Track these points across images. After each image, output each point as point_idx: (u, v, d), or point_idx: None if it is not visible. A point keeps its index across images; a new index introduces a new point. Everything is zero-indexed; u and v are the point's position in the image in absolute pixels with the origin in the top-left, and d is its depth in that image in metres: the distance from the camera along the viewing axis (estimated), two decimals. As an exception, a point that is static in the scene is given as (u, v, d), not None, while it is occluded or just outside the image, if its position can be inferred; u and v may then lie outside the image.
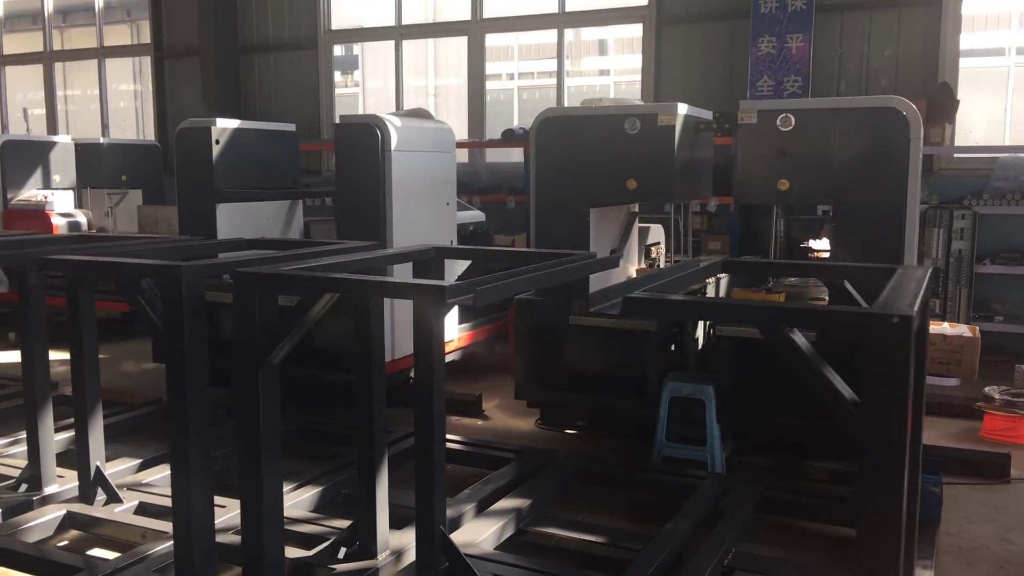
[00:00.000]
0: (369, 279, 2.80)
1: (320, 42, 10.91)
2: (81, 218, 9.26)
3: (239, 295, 2.53)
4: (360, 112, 11.36)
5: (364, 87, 11.96)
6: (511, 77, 17.39)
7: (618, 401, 5.22)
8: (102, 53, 12.75)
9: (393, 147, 5.84)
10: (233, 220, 6.52)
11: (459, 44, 11.15)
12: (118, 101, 13.74)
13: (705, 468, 4.75)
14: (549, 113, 5.43)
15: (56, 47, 13.37)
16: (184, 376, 2.59)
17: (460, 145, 9.88)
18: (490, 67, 11.48)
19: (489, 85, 11.17)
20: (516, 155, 9.46)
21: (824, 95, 8.38)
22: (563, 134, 5.34)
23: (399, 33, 10.54)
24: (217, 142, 6.34)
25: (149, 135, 13.11)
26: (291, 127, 7.21)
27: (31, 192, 9.33)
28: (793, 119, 4.76)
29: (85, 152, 10.04)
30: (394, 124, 5.89)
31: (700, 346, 5.38)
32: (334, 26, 10.93)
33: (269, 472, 2.86)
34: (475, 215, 7.16)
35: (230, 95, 11.33)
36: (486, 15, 10.03)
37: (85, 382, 4.04)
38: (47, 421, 4.21)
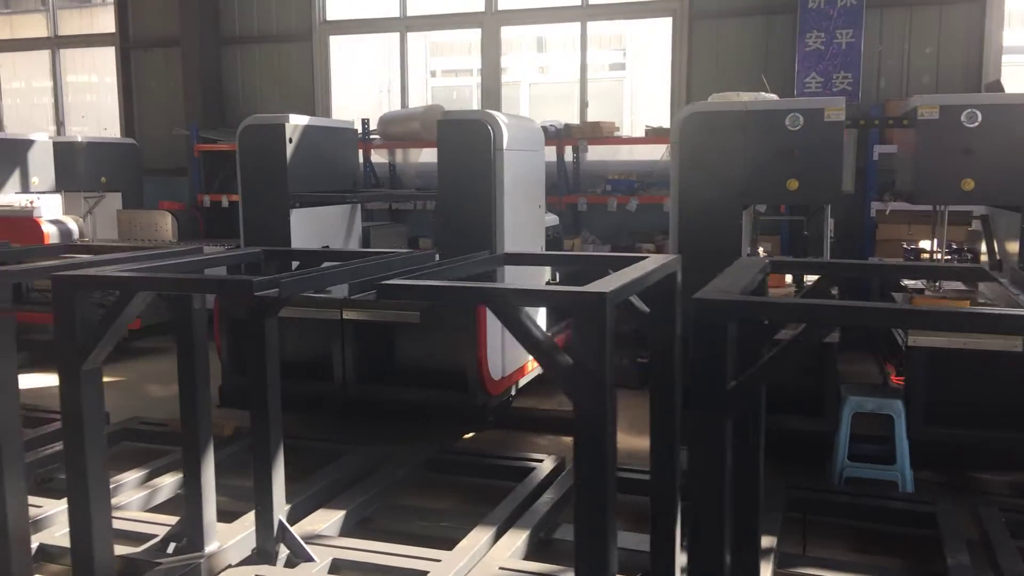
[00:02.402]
0: (900, 308, 2.25)
1: (315, 34, 10.18)
2: (72, 225, 8.36)
3: (704, 325, 2.03)
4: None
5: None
6: (434, 74, 17.07)
7: (781, 417, 4.86)
8: (56, 43, 11.64)
9: (504, 145, 5.35)
10: (303, 227, 5.87)
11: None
12: (33, 97, 12.57)
13: (890, 488, 4.46)
14: (695, 108, 5.04)
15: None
16: (604, 422, 2.07)
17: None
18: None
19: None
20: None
21: (866, 92, 8.28)
22: (712, 130, 4.95)
23: (404, 25, 9.93)
24: (290, 140, 5.69)
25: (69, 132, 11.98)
26: (351, 124, 6.58)
27: (11, 196, 8.35)
28: (980, 114, 4.50)
29: (61, 152, 9.10)
30: (503, 120, 5.39)
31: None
32: (329, 16, 10.22)
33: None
34: (551, 218, 6.70)
35: (212, 90, 10.48)
36: (501, 7, 9.52)
37: (269, 419, 3.43)
38: (208, 468, 3.57)
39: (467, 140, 5.34)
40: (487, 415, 5.54)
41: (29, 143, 8.71)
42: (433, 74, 17.18)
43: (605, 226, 8.99)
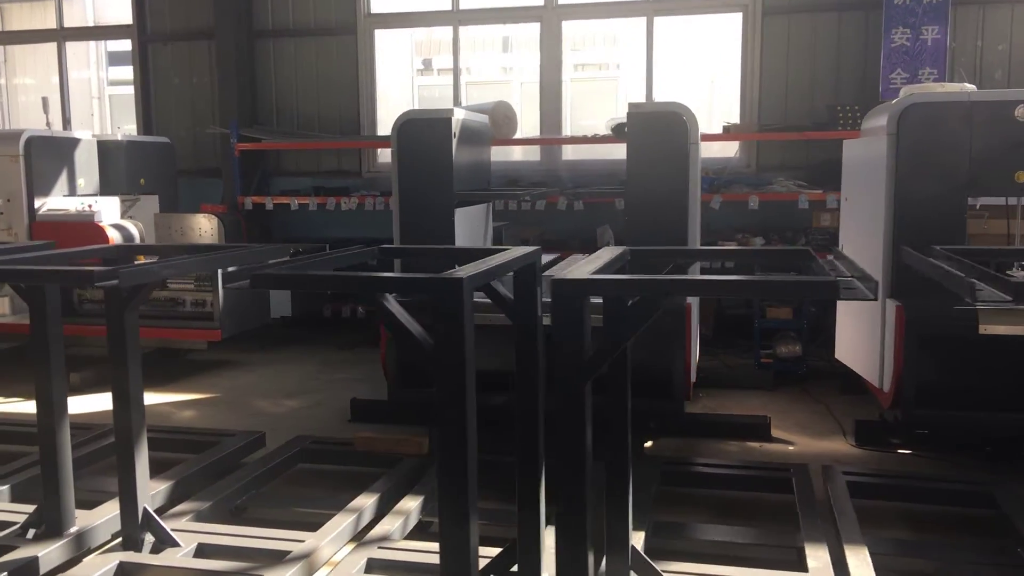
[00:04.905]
0: None
1: (360, 27, 9.70)
2: (133, 230, 7.74)
3: None
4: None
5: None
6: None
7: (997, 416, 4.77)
8: (63, 35, 10.81)
9: (698, 138, 5.12)
10: (459, 226, 5.52)
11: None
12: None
13: None
14: (915, 99, 4.88)
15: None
16: None
17: (562, 141, 9.13)
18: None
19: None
20: (616, 152, 8.74)
21: (941, 88, 8.33)
22: (934, 122, 4.81)
23: (457, 19, 9.54)
24: (454, 135, 5.33)
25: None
26: (485, 119, 6.23)
27: (61, 200, 7.68)
28: None
29: (103, 151, 8.44)
30: (694, 112, 5.15)
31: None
32: (373, 9, 9.75)
33: None
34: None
35: (247, 86, 9.88)
36: (562, 1, 9.23)
37: (625, 442, 3.10)
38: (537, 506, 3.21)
39: (662, 132, 5.08)
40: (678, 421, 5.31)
41: (75, 142, 8.05)
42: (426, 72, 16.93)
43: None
